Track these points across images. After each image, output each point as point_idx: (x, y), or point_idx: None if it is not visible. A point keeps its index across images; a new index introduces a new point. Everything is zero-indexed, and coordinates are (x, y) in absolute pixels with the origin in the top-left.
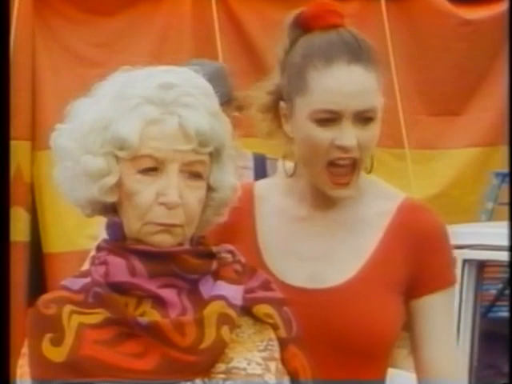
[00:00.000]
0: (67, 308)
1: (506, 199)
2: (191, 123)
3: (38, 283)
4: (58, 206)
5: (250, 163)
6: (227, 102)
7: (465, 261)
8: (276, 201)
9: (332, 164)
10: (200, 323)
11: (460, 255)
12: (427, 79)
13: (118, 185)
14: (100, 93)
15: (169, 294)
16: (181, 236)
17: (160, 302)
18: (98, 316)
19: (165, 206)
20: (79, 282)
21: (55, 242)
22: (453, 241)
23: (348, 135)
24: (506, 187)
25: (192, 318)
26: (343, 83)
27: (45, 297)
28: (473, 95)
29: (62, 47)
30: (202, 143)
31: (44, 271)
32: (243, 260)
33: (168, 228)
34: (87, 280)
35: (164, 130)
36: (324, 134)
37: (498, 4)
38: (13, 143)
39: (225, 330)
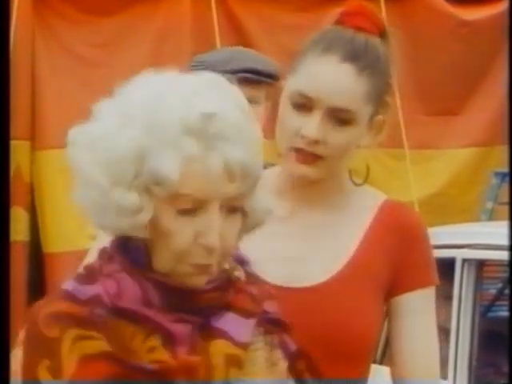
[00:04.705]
0: (71, 333)
1: (506, 199)
2: (237, 159)
3: (38, 283)
4: (58, 206)
5: None
6: (275, 78)
7: (464, 260)
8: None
9: (295, 150)
10: (208, 365)
11: (459, 255)
12: (426, 79)
13: (151, 222)
14: (128, 113)
15: (181, 330)
16: (215, 271)
17: (170, 338)
18: (102, 344)
19: (204, 247)
20: (87, 292)
21: (55, 242)
22: (449, 240)
23: (311, 125)
24: (505, 187)
25: (200, 359)
26: (324, 73)
27: (46, 311)
28: (471, 95)
29: (61, 47)
30: (245, 177)
31: (44, 271)
32: (251, 265)
33: (205, 269)
34: (95, 290)
35: (206, 169)
36: (294, 119)
37: (496, 5)
38: (13, 143)
39: (233, 371)
